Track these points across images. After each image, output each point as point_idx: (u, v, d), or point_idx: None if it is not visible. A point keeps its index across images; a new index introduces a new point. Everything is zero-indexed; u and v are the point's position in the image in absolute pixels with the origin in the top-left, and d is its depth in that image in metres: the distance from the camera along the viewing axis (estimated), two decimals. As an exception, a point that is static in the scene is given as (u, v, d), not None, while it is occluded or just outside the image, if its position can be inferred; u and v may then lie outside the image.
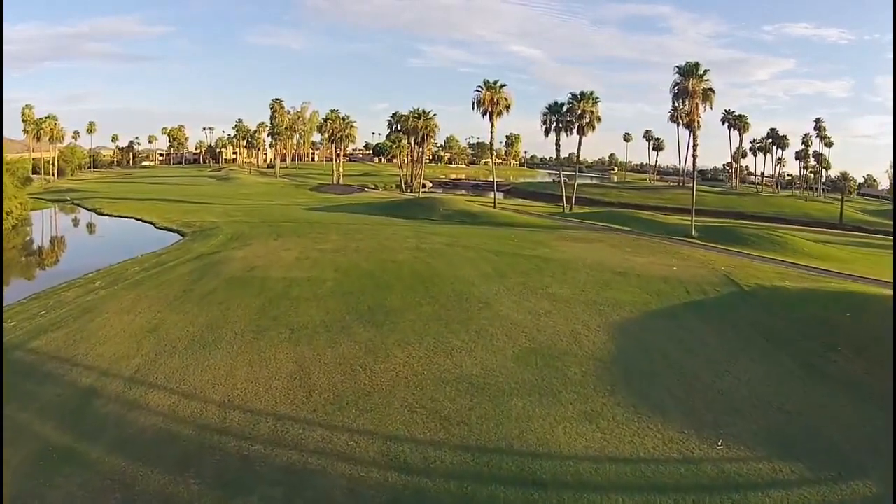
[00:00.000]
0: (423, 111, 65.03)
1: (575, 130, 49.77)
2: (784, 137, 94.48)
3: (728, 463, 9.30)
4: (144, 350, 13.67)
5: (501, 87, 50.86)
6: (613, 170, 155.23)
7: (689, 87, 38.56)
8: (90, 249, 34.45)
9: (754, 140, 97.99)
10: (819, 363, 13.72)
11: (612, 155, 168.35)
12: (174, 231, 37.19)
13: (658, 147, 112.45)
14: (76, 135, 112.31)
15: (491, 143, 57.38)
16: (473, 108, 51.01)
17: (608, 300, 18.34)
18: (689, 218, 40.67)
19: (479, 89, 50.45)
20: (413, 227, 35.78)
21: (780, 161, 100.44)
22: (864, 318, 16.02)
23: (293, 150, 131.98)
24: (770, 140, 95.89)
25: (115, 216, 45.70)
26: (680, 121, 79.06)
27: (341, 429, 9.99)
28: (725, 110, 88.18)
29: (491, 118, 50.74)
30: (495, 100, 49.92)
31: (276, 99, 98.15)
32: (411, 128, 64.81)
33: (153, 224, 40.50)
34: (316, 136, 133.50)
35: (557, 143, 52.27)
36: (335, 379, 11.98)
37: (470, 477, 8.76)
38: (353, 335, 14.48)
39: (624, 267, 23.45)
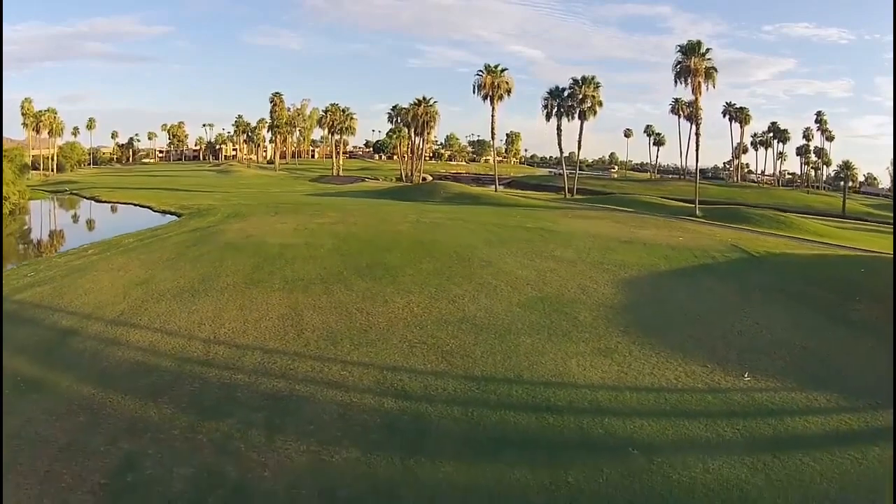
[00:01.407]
0: (424, 98, 63.77)
1: (577, 115, 48.95)
2: (785, 131, 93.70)
3: (759, 393, 8.55)
4: (131, 298, 12.91)
5: (502, 71, 50.21)
6: (614, 168, 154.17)
7: (691, 65, 37.82)
8: (85, 230, 33.87)
9: (755, 134, 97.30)
10: (840, 312, 12.99)
11: (612, 154, 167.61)
12: (171, 213, 36.35)
13: (659, 142, 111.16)
14: (76, 131, 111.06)
15: (492, 129, 55.91)
16: (474, 91, 50.31)
17: (615, 262, 17.62)
18: (693, 204, 39.89)
19: (480, 73, 49.82)
20: (414, 206, 35.04)
21: (780, 156, 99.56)
22: (880, 274, 15.33)
23: (293, 148, 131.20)
24: (771, 134, 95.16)
25: (113, 202, 45.02)
26: (681, 113, 78.95)
27: (334, 360, 9.22)
28: (727, 103, 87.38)
29: (492, 102, 50.03)
30: (496, 83, 49.22)
31: (276, 92, 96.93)
32: (412, 117, 63.77)
33: (150, 208, 39.73)
34: (316, 134, 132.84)
35: (559, 129, 51.12)
36: (329, 319, 11.21)
37: (476, 403, 8.00)
38: (350, 286, 13.72)
39: (629, 237, 22.77)
